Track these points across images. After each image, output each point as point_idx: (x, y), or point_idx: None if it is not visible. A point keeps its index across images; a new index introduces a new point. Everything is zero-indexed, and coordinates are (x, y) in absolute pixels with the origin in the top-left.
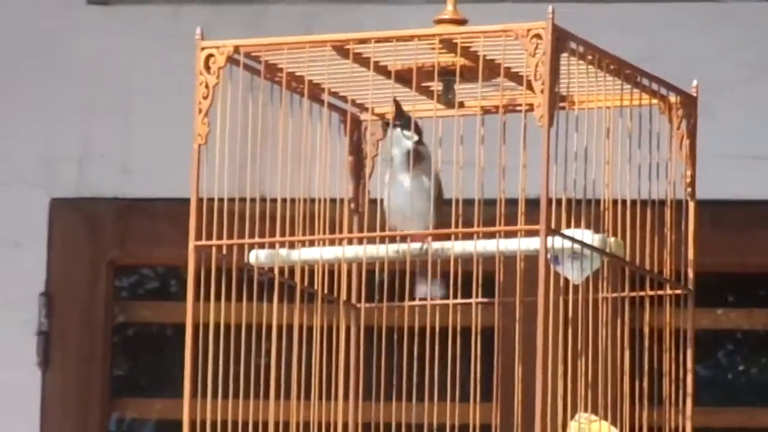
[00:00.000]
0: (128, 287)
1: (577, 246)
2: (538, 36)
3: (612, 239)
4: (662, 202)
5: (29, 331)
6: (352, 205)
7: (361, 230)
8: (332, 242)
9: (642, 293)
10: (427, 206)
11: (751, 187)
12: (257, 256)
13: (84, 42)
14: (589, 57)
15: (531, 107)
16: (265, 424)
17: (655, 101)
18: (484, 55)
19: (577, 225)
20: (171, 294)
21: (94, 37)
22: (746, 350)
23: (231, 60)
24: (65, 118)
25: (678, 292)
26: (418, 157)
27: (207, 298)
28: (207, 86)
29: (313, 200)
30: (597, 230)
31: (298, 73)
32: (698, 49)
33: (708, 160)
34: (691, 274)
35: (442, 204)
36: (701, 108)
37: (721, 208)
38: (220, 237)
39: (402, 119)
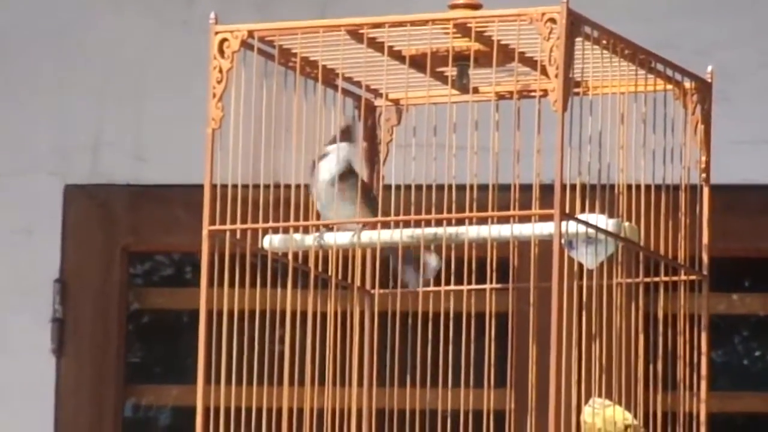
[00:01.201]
0: (142, 274)
1: (591, 231)
2: (552, 20)
3: (627, 224)
4: (677, 187)
5: (44, 318)
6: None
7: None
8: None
9: (657, 279)
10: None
11: (766, 172)
12: (271, 241)
13: (97, 28)
14: (604, 42)
15: (545, 92)
16: (279, 411)
17: (669, 87)
18: (499, 40)
19: (592, 210)
20: (185, 281)
21: (107, 24)
22: (762, 335)
23: (245, 44)
24: (79, 105)
25: (693, 277)
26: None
27: (221, 284)
28: (221, 71)
29: None
30: (611, 215)
31: (312, 58)
32: (714, 35)
33: (723, 145)
34: (705, 260)
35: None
36: (716, 93)
37: (736, 193)
38: (234, 222)
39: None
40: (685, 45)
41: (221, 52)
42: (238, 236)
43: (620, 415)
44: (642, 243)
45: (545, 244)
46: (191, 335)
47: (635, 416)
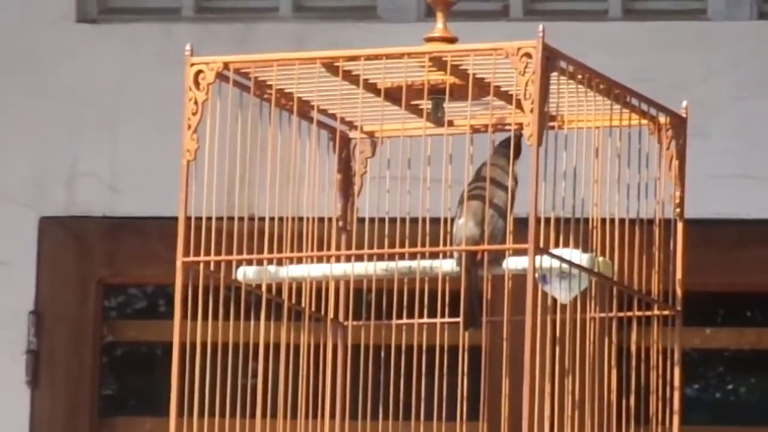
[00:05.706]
0: (117, 306)
1: (565, 265)
2: (528, 55)
3: (600, 259)
4: (651, 222)
5: (18, 350)
6: (341, 223)
7: (349, 248)
8: (320, 260)
9: (630, 314)
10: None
11: (741, 206)
12: (245, 273)
13: (73, 60)
14: (579, 76)
15: (520, 126)
16: None
17: (644, 121)
18: (474, 74)
19: (566, 244)
20: (160, 313)
21: (82, 56)
22: (735, 369)
23: (220, 76)
24: (54, 136)
25: (666, 313)
26: None
27: (194, 317)
28: (196, 102)
29: (301, 218)
30: (585, 249)
31: (287, 90)
32: (690, 69)
33: (699, 179)
34: (679, 295)
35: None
36: (693, 127)
37: (711, 227)
38: (208, 254)
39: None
40: (662, 79)
41: (196, 83)
42: (212, 268)
43: None
44: (616, 277)
45: (519, 278)
46: (165, 368)
47: None
